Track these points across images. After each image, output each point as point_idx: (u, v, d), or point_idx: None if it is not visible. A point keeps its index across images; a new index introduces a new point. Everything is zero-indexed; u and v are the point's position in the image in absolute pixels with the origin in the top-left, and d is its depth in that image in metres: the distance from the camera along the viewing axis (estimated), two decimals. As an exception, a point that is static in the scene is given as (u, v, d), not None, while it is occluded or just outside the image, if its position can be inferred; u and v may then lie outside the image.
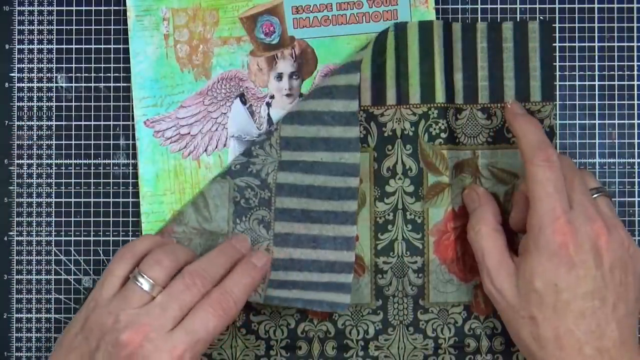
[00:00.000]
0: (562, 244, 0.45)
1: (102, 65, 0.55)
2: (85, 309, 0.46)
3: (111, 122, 0.55)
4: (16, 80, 0.55)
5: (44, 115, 0.55)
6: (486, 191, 0.52)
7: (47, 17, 0.55)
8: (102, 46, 0.55)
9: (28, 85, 0.55)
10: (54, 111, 0.55)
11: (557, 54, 0.55)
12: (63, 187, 0.55)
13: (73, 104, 0.55)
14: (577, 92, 0.55)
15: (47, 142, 0.55)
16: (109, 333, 0.43)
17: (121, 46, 0.55)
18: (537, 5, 0.55)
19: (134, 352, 0.43)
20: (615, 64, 0.55)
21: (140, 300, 0.45)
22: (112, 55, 0.55)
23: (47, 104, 0.55)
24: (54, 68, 0.55)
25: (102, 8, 0.55)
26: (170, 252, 0.47)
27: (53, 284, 0.55)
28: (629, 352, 0.45)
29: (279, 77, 0.55)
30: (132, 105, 0.54)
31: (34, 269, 0.55)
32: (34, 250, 0.55)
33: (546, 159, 0.46)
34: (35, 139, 0.55)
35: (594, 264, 0.45)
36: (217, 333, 0.45)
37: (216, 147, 0.54)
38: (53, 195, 0.55)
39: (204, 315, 0.45)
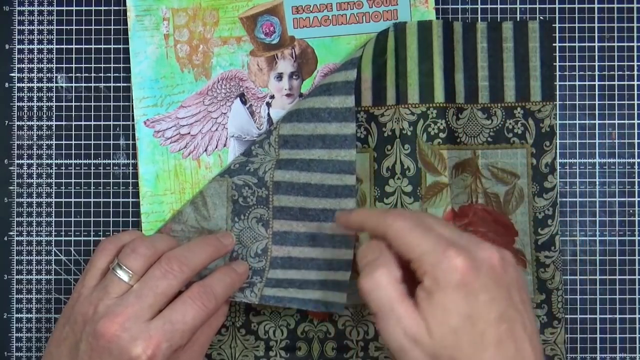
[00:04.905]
0: (463, 272, 0.41)
1: (102, 65, 0.55)
2: (71, 301, 0.46)
3: (111, 122, 0.55)
4: (16, 80, 0.55)
5: (44, 115, 0.55)
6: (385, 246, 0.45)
7: (47, 17, 0.55)
8: (102, 46, 0.55)
9: (28, 85, 0.55)
10: (54, 111, 0.55)
11: (557, 54, 0.55)
12: (63, 187, 0.55)
13: (73, 104, 0.55)
14: (577, 92, 0.55)
15: (47, 142, 0.55)
16: (88, 323, 0.44)
17: (121, 46, 0.55)
18: (537, 5, 0.55)
19: (110, 341, 0.43)
20: (615, 64, 0.55)
21: (119, 289, 0.45)
22: (112, 55, 0.55)
23: (47, 104, 0.55)
24: (54, 68, 0.55)
25: (102, 8, 0.55)
26: (148, 241, 0.47)
27: (53, 284, 0.55)
28: None
29: (279, 77, 0.55)
30: (132, 105, 0.54)
31: (34, 269, 0.55)
32: (34, 250, 0.55)
33: (393, 217, 0.43)
34: (35, 139, 0.55)
35: (495, 286, 0.42)
36: (196, 326, 0.45)
37: (216, 147, 0.54)
38: (53, 195, 0.55)
39: (182, 307, 0.45)
